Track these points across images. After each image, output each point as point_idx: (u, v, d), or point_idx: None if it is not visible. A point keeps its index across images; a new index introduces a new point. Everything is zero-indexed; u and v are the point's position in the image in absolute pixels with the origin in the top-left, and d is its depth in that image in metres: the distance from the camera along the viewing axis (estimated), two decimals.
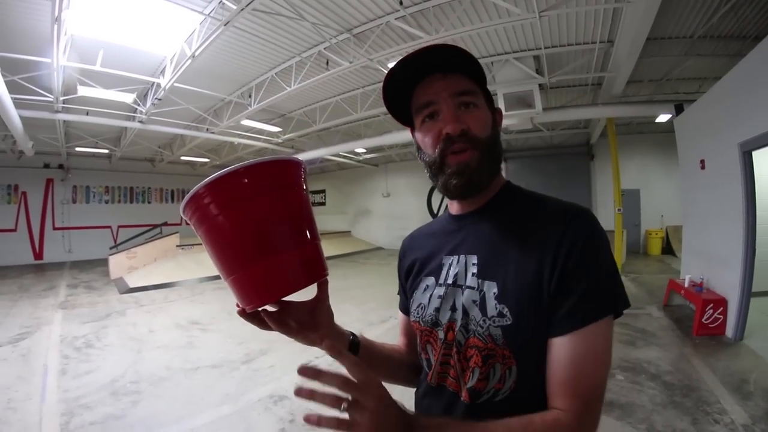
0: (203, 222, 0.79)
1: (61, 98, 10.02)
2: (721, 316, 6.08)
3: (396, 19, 7.46)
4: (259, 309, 0.88)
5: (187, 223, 0.85)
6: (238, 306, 0.88)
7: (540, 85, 9.57)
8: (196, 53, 7.53)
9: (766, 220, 6.15)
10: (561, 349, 0.84)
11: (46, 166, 17.22)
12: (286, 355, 5.77)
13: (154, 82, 10.06)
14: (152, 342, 6.54)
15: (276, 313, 0.93)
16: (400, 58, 0.96)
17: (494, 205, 1.06)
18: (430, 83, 0.99)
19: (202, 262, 13.06)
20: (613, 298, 0.86)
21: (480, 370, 0.92)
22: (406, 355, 1.30)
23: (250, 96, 11.32)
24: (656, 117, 11.85)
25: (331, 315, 1.05)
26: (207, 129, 13.64)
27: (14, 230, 16.46)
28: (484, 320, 0.91)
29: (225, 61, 9.50)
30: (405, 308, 1.28)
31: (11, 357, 5.81)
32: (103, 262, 13.68)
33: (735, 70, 6.05)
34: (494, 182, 1.05)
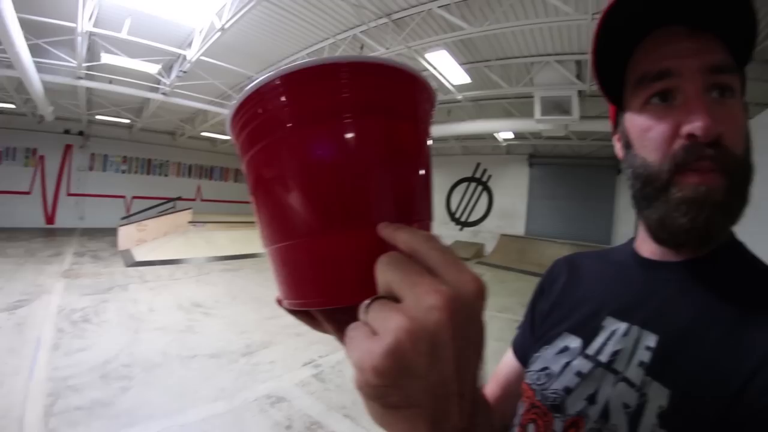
0: (261, 139, 0.42)
1: (84, 65, 9.74)
2: None
3: (439, 7, 7.11)
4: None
5: (235, 139, 0.46)
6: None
7: (579, 92, 9.16)
8: (226, 26, 7.28)
9: None
10: None
11: (66, 132, 17.05)
12: (289, 351, 5.52)
13: (180, 54, 9.79)
14: (151, 322, 6.30)
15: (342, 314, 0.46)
16: None
17: (714, 263, 0.66)
18: (669, 41, 0.61)
19: (213, 241, 12.98)
20: None
21: None
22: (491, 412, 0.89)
23: None
24: None
25: None
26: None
27: (29, 193, 16.32)
28: None
29: (255, 38, 9.23)
30: (522, 353, 0.90)
31: (6, 326, 5.60)
32: (113, 232, 13.48)
33: None
34: None
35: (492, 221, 18.51)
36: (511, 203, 17.99)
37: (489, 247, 17.60)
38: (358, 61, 0.39)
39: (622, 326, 0.68)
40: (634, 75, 0.66)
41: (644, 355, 0.62)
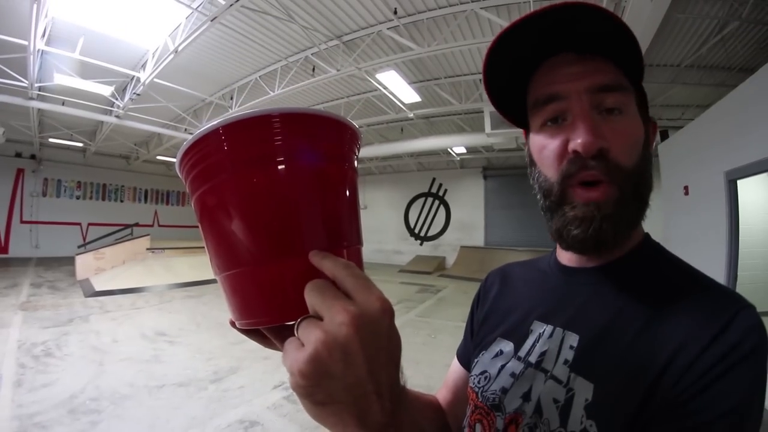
0: (209, 179, 0.49)
1: (36, 85, 9.53)
2: None
3: (388, 29, 7.36)
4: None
5: (184, 180, 0.54)
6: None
7: None
8: (180, 48, 7.33)
9: (745, 245, 6.09)
10: None
11: (18, 155, 16.55)
12: (257, 375, 5.49)
13: (133, 76, 9.76)
14: (116, 354, 6.15)
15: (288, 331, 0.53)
16: (509, 24, 0.66)
17: (625, 266, 0.73)
18: (558, 67, 0.69)
19: (173, 268, 12.72)
20: None
21: None
22: (443, 416, 0.96)
23: (231, 98, 11.12)
24: None
25: None
26: (185, 129, 13.28)
27: None
28: None
29: (208, 60, 9.29)
30: (465, 359, 0.97)
31: None
32: (70, 261, 13.11)
33: (725, 100, 6.05)
34: (632, 235, 0.73)
35: (451, 234, 18.83)
36: (468, 215, 18.36)
37: (450, 260, 17.87)
38: (288, 112, 0.46)
39: (548, 329, 0.76)
40: (530, 100, 0.74)
41: (568, 354, 0.69)
